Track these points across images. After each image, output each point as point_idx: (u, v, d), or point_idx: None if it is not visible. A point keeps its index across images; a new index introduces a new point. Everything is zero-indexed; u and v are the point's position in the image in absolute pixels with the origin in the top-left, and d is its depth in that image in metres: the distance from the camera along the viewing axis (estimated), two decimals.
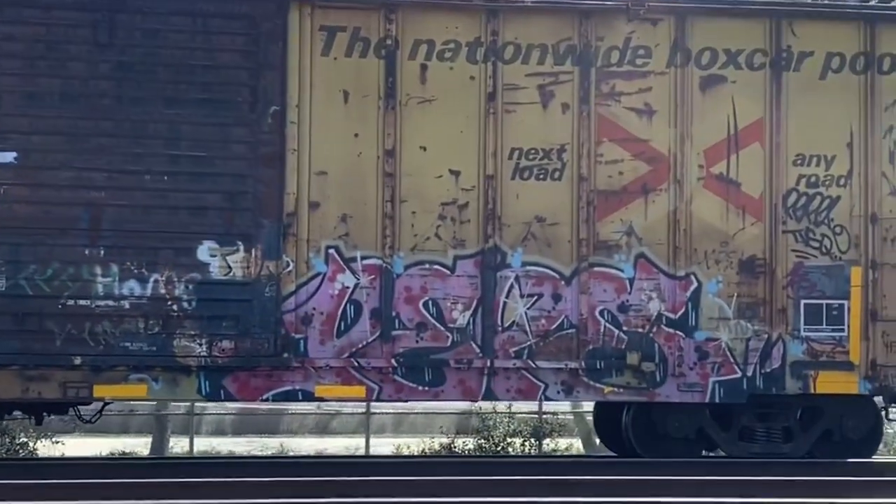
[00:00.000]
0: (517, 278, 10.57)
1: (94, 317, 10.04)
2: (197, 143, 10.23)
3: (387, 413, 21.78)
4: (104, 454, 18.21)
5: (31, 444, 17.42)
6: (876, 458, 11.62)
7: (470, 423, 20.43)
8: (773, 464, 10.55)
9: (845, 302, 10.95)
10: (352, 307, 10.38)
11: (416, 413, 22.80)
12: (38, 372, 10.01)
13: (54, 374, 10.04)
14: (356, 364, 10.35)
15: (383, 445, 20.01)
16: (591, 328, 10.62)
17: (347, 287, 10.39)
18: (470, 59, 10.62)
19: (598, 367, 10.61)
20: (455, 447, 18.01)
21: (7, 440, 16.92)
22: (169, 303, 10.13)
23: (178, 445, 20.80)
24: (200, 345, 10.15)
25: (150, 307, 10.11)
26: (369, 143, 10.46)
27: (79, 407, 11.17)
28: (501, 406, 18.27)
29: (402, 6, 10.51)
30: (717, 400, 10.81)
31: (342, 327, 10.36)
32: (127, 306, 10.10)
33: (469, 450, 17.72)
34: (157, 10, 10.25)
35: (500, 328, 10.53)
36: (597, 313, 10.64)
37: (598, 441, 14.07)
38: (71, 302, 10.02)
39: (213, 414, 23.37)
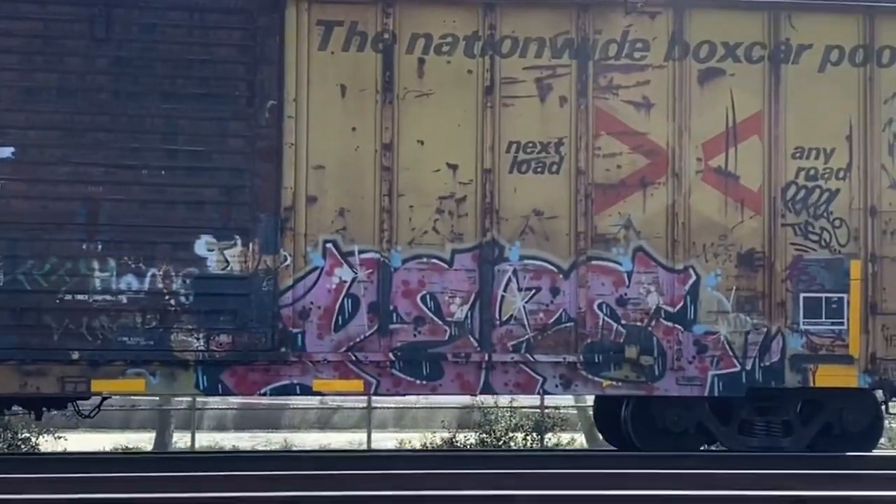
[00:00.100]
0: (515, 272, 10.56)
1: (91, 311, 10.05)
2: (194, 137, 10.24)
3: (388, 408, 21.82)
4: (107, 449, 18.24)
5: (33, 440, 17.43)
6: (878, 453, 11.60)
7: (472, 417, 20.43)
8: (771, 458, 10.54)
9: (845, 295, 10.91)
10: (349, 301, 10.38)
11: (418, 408, 22.80)
12: (36, 367, 10.03)
13: (52, 368, 10.06)
14: (354, 358, 10.34)
15: (384, 440, 20.02)
16: (590, 322, 10.60)
17: (345, 281, 10.39)
18: (467, 53, 10.60)
19: (597, 360, 10.59)
20: (456, 441, 18.01)
21: (9, 435, 16.93)
22: (166, 297, 10.13)
23: (180, 441, 20.83)
24: (198, 339, 10.16)
25: (147, 302, 10.12)
26: (367, 137, 10.45)
27: (79, 402, 11.19)
28: (503, 400, 18.27)
29: (399, 0, 10.49)
30: (715, 393, 10.78)
31: (340, 321, 10.36)
32: (124, 301, 10.10)
33: (471, 444, 17.71)
34: (154, 5, 10.26)
35: (498, 322, 10.52)
36: (595, 307, 10.63)
37: (601, 436, 14.02)
38: (69, 297, 10.04)
39: (215, 409, 23.40)
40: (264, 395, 10.51)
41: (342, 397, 18.42)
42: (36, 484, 8.38)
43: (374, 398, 17.21)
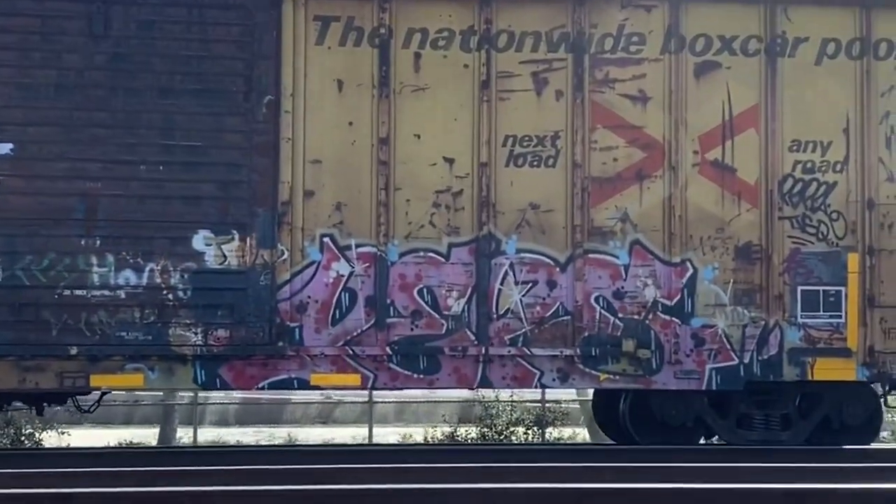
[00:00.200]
0: (512, 265, 10.58)
1: (90, 307, 10.09)
2: (191, 132, 10.28)
3: (389, 402, 21.82)
4: (112, 445, 18.30)
5: (36, 435, 17.49)
6: (879, 446, 11.61)
7: (473, 411, 20.46)
8: (770, 451, 10.54)
9: (842, 288, 10.92)
10: (346, 295, 10.41)
11: (419, 402, 22.84)
12: (34, 362, 10.07)
13: (51, 364, 10.09)
14: (351, 352, 10.38)
15: (386, 435, 20.05)
16: (587, 315, 10.62)
17: (342, 275, 10.41)
18: (463, 48, 10.62)
19: (594, 354, 10.61)
20: (458, 436, 18.03)
21: (12, 431, 17.00)
22: (164, 292, 10.17)
23: (185, 436, 20.87)
24: (196, 334, 10.19)
25: (145, 296, 10.16)
26: (363, 131, 10.48)
27: (79, 397, 11.22)
28: (504, 394, 18.30)
29: None
30: (713, 387, 10.79)
31: (337, 315, 10.39)
32: (123, 296, 10.14)
33: (472, 438, 17.74)
34: (152, 1, 10.30)
35: (494, 315, 10.54)
36: (592, 300, 10.64)
37: (600, 430, 14.03)
38: (67, 292, 10.07)
39: (217, 403, 23.44)
40: (262, 389, 10.54)
41: (343, 392, 18.43)
42: (40, 478, 8.36)
43: (375, 393, 17.22)
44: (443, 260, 10.52)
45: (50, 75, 10.16)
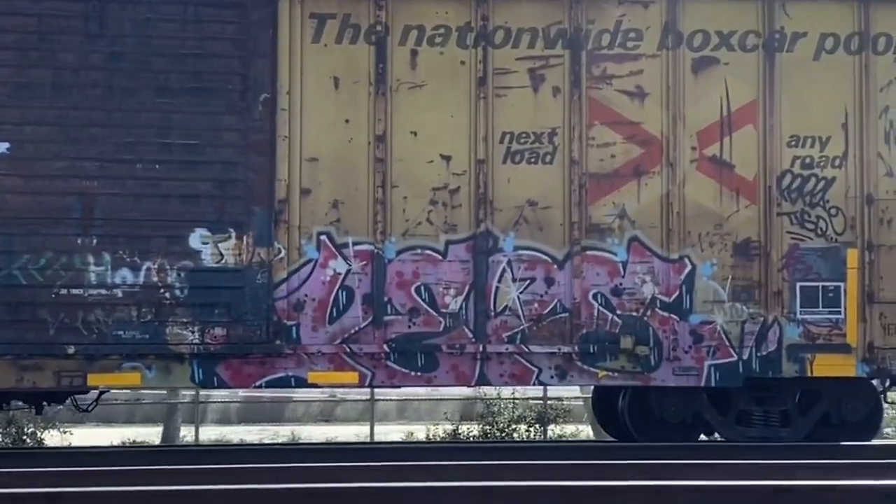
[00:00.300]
0: (509, 262, 10.56)
1: (87, 306, 10.09)
2: (188, 131, 10.27)
3: (391, 400, 21.82)
4: (116, 443, 18.32)
5: (38, 434, 17.51)
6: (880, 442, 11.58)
7: (474, 408, 20.45)
8: (769, 447, 10.51)
9: (841, 284, 10.88)
10: (344, 293, 10.39)
11: (420, 399, 22.85)
12: (32, 361, 10.07)
13: (48, 363, 10.10)
14: (348, 350, 10.36)
15: (387, 432, 20.04)
16: (585, 312, 10.59)
17: (339, 273, 10.40)
18: (460, 44, 10.60)
19: (592, 351, 10.58)
20: (460, 433, 18.03)
21: (14, 430, 17.02)
22: (161, 291, 10.17)
23: (189, 434, 20.89)
24: (193, 332, 10.19)
25: (142, 295, 10.16)
26: (360, 129, 10.46)
27: (78, 396, 11.23)
28: (506, 391, 18.29)
29: None
30: (712, 384, 10.76)
31: (334, 313, 10.37)
32: (119, 295, 10.14)
33: (474, 436, 17.73)
34: (148, 0, 10.28)
35: (492, 313, 10.51)
36: (590, 297, 10.62)
37: (600, 427, 14.02)
38: (64, 291, 10.08)
39: (218, 402, 23.46)
40: (259, 387, 10.53)
41: (345, 389, 18.44)
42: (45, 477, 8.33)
43: (376, 390, 17.23)
44: (440, 257, 10.50)
45: (46, 74, 10.16)
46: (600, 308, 10.62)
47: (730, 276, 10.77)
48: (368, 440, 18.51)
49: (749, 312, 10.79)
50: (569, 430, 19.09)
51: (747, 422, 11.13)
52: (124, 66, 10.23)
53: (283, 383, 10.48)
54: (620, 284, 10.65)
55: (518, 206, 10.57)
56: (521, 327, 10.55)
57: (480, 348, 10.47)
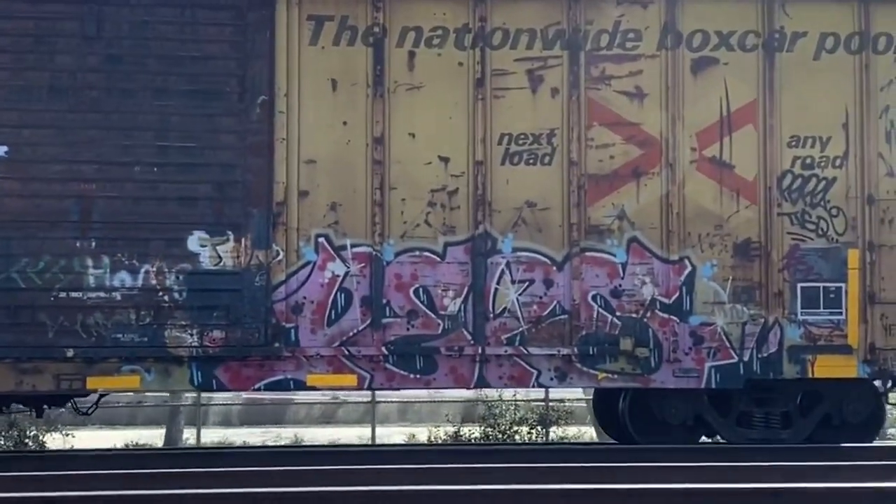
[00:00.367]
0: (508, 264, 10.52)
1: (85, 309, 10.07)
2: (186, 133, 10.25)
3: (392, 402, 21.79)
4: (119, 446, 18.31)
5: (40, 437, 17.50)
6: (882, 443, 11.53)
7: (476, 411, 20.40)
8: (771, 449, 10.46)
9: (842, 285, 10.82)
10: (342, 295, 10.36)
11: (422, 402, 22.80)
12: (31, 365, 10.06)
13: (48, 366, 10.08)
14: (347, 352, 10.33)
15: (389, 434, 20.02)
16: (584, 314, 10.55)
17: (337, 275, 10.37)
18: (458, 46, 10.56)
19: (592, 353, 10.54)
20: (461, 436, 17.99)
21: (15, 433, 17.01)
22: (160, 293, 10.15)
23: (192, 437, 20.87)
24: (192, 335, 10.17)
25: (141, 298, 10.13)
26: (358, 131, 10.43)
27: (78, 399, 11.21)
28: (508, 393, 18.25)
29: None
30: (713, 385, 10.71)
31: (333, 316, 10.34)
32: (118, 298, 10.12)
33: (475, 438, 17.69)
34: (144, 2, 10.27)
35: (491, 315, 10.48)
36: (589, 298, 10.57)
37: (601, 429, 13.98)
38: (63, 294, 10.06)
39: (220, 404, 23.44)
40: (258, 390, 10.52)
41: (346, 391, 18.41)
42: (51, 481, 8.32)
43: (377, 392, 17.19)
44: (439, 259, 10.46)
45: (43, 77, 10.14)
46: (600, 310, 10.58)
47: (730, 277, 10.73)
48: (370, 442, 18.49)
49: (750, 313, 10.74)
50: (571, 431, 19.04)
51: (748, 423, 11.08)
52: (122, 68, 10.21)
53: (281, 386, 10.45)
54: (620, 286, 10.61)
55: (517, 208, 10.53)
56: (520, 329, 10.51)
57: (479, 350, 10.43)
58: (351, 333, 10.35)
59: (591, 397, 19.56)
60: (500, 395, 18.39)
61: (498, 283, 10.50)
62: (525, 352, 10.49)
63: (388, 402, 20.94)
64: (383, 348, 10.35)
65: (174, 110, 10.23)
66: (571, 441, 17.61)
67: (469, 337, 10.44)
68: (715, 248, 10.72)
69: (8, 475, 8.33)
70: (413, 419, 23.55)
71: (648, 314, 10.62)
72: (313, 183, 10.35)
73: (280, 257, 10.28)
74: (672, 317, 10.64)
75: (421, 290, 10.42)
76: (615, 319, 10.59)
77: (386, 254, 10.39)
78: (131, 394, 17.44)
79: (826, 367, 10.80)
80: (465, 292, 10.45)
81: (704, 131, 10.75)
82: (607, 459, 9.71)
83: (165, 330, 10.16)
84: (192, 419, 19.82)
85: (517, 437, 17.56)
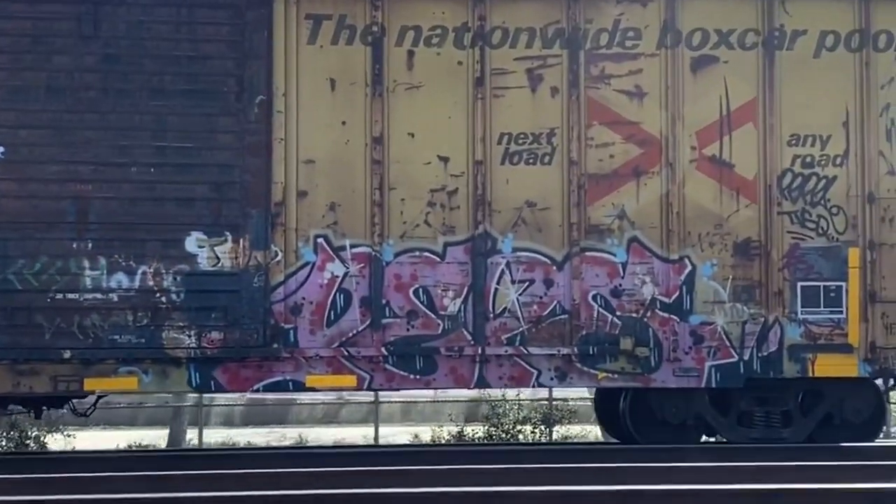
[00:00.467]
0: (508, 264, 10.48)
1: (82, 310, 10.05)
2: (183, 134, 10.22)
3: (395, 402, 21.76)
4: (121, 447, 18.30)
5: (42, 438, 17.48)
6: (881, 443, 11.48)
7: (479, 410, 20.36)
8: (771, 449, 10.41)
9: (843, 283, 10.78)
10: (341, 296, 10.33)
11: (425, 401, 22.77)
12: (28, 366, 10.03)
13: (45, 368, 10.06)
14: (346, 353, 10.30)
15: (393, 434, 19.99)
16: (584, 313, 10.51)
17: (337, 276, 10.34)
18: (457, 45, 10.53)
19: (592, 352, 10.50)
20: (465, 435, 17.96)
21: (16, 434, 17.00)
22: (157, 295, 10.12)
23: (195, 437, 20.83)
24: (189, 336, 10.14)
25: (138, 299, 10.11)
26: (357, 130, 10.39)
27: (77, 400, 11.19)
28: (511, 393, 18.21)
29: None
30: (713, 385, 10.68)
31: (332, 316, 10.31)
32: (115, 299, 10.09)
33: (479, 438, 17.66)
34: (142, 1, 10.24)
35: (491, 315, 10.44)
36: (589, 298, 10.54)
37: (602, 428, 13.94)
38: (60, 295, 10.03)
39: (222, 405, 23.41)
40: (257, 391, 10.49)
41: (349, 392, 18.38)
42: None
43: (380, 392, 17.15)
44: (438, 259, 10.43)
45: (40, 77, 10.11)
46: (600, 309, 10.54)
47: (730, 277, 10.69)
48: (374, 442, 18.46)
49: (750, 313, 10.71)
50: (574, 430, 18.99)
51: (749, 423, 11.04)
52: (119, 68, 10.18)
53: (280, 387, 10.42)
54: (620, 285, 10.57)
55: (517, 208, 10.49)
56: (521, 329, 10.48)
57: (479, 350, 10.40)
58: (350, 334, 10.31)
59: (594, 396, 19.57)
60: (503, 395, 18.34)
61: (498, 283, 10.46)
62: (525, 352, 10.45)
63: (391, 402, 20.91)
64: (383, 349, 10.32)
65: (171, 110, 10.20)
66: (572, 441, 17.57)
67: (469, 337, 10.40)
68: (715, 247, 10.68)
69: (9, 478, 8.30)
70: (416, 419, 23.50)
71: (648, 314, 10.58)
72: (312, 183, 10.32)
73: (279, 258, 10.25)
74: (672, 316, 10.60)
75: (421, 290, 10.39)
76: (615, 319, 10.55)
77: (385, 254, 10.36)
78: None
79: (826, 366, 10.77)
80: (464, 292, 10.41)
81: (704, 130, 10.71)
82: (607, 459, 9.66)
83: (163, 331, 10.13)
84: (194, 419, 19.78)
85: (521, 436, 17.52)
